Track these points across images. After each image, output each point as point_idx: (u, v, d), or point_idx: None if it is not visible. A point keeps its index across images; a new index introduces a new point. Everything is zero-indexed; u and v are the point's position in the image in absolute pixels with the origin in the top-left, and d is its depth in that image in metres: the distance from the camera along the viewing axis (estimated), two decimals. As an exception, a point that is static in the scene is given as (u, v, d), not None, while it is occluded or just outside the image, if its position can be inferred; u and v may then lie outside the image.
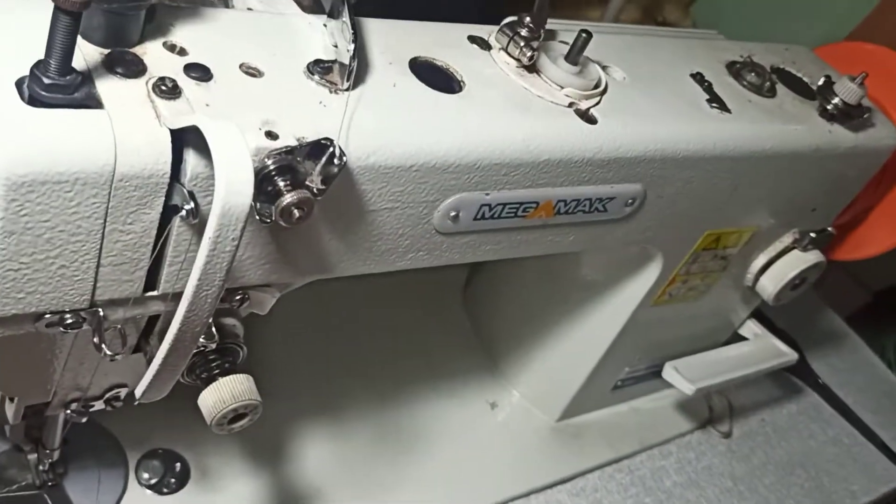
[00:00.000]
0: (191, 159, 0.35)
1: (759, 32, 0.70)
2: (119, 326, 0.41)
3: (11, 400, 0.47)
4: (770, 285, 0.68)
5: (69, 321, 0.39)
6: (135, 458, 0.58)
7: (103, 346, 0.40)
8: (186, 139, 0.35)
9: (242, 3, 0.45)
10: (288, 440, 0.64)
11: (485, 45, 0.49)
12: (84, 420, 0.50)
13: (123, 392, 0.50)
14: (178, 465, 0.59)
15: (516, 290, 0.76)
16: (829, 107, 0.60)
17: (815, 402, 0.91)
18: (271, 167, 0.36)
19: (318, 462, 0.64)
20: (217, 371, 0.45)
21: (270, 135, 0.37)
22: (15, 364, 0.43)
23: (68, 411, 0.49)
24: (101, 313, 0.39)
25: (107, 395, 0.49)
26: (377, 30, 0.46)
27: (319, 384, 0.69)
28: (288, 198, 0.36)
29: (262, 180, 0.36)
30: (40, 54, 0.33)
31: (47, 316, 0.38)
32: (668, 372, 0.71)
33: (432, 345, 0.77)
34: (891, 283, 1.35)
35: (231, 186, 0.32)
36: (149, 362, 0.43)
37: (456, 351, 0.78)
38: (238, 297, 0.43)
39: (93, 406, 0.49)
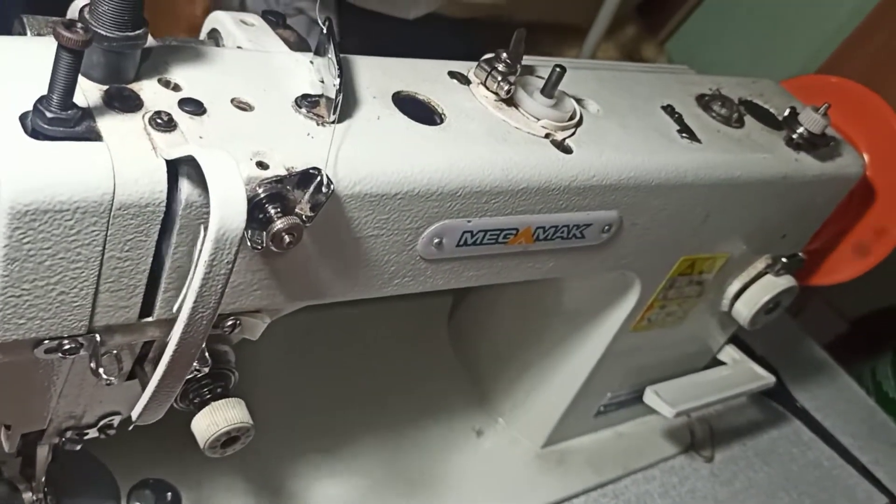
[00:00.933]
0: (185, 188, 0.37)
1: (731, 69, 0.73)
2: (115, 352, 0.42)
3: (8, 428, 0.48)
4: (745, 310, 0.70)
5: (67, 347, 0.40)
6: (126, 488, 0.59)
7: (100, 370, 0.41)
8: (181, 170, 0.37)
9: (232, 41, 0.47)
10: (273, 469, 0.65)
11: (464, 80, 0.51)
12: (78, 448, 0.51)
13: (117, 420, 0.51)
14: (170, 494, 0.60)
15: (499, 319, 0.78)
16: (794, 136, 0.62)
17: (795, 427, 0.92)
18: (262, 195, 0.38)
19: (303, 491, 0.65)
20: (209, 396, 0.46)
21: (261, 165, 0.38)
22: (12, 391, 0.44)
23: (63, 439, 0.50)
24: (99, 339, 0.41)
25: (101, 423, 0.50)
26: (361, 65, 0.48)
27: (304, 414, 0.70)
28: (279, 224, 0.38)
29: (254, 208, 0.38)
30: (43, 90, 0.35)
31: (46, 342, 0.39)
32: (649, 396, 0.73)
33: (418, 374, 0.79)
34: (866, 312, 1.38)
35: (225, 210, 0.34)
36: (144, 388, 0.45)
37: (441, 380, 0.79)
38: (230, 323, 0.45)
39: (87, 434, 0.51)
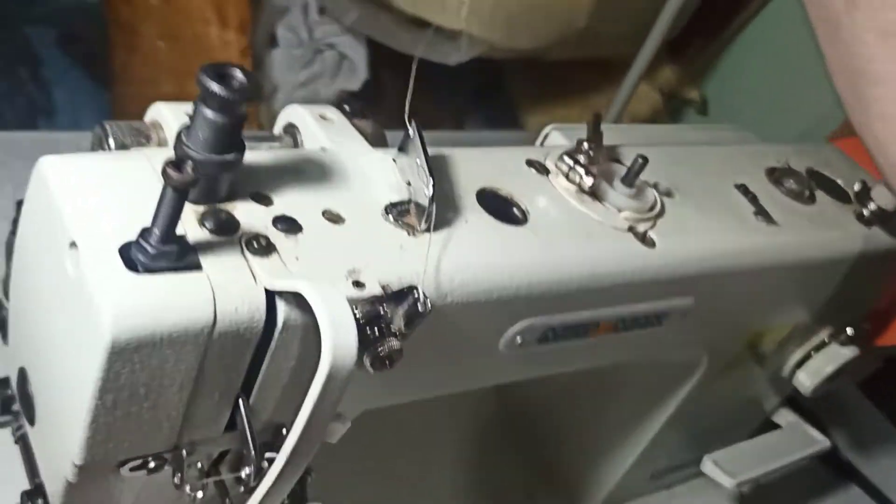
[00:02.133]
0: (282, 310, 0.36)
1: (766, 105, 0.71)
2: (200, 464, 0.41)
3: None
4: (808, 380, 0.69)
5: (153, 465, 0.39)
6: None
7: (186, 487, 0.40)
8: (278, 293, 0.36)
9: (312, 139, 0.46)
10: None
11: (542, 168, 0.50)
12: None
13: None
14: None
15: (554, 393, 0.76)
16: (866, 212, 0.61)
17: (850, 493, 0.91)
18: (360, 318, 0.37)
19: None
20: (288, 500, 0.45)
21: (357, 284, 0.37)
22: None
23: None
24: (185, 454, 0.40)
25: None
26: (437, 159, 0.47)
27: (349, 477, 0.69)
28: (380, 349, 0.36)
29: (352, 330, 0.37)
30: (138, 215, 0.34)
31: (131, 462, 0.38)
32: (707, 466, 0.71)
33: (467, 438, 0.77)
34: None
35: (338, 352, 0.33)
36: (220, 494, 0.44)
37: (491, 444, 0.78)
38: (315, 430, 0.44)
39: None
